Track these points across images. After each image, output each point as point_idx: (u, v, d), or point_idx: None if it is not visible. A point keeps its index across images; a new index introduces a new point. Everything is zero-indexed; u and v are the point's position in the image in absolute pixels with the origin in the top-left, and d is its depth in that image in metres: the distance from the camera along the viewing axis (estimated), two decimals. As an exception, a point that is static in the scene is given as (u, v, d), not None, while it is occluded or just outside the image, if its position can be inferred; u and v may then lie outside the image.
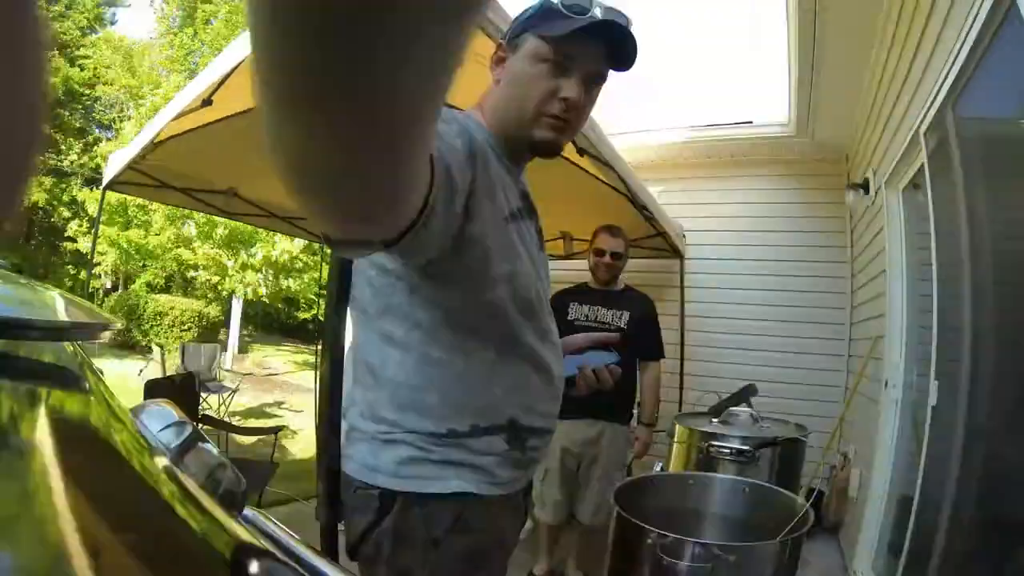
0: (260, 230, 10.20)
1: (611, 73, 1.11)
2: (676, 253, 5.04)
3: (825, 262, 4.84)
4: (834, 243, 4.82)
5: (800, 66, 3.59)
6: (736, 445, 2.65)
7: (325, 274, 8.73)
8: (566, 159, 3.51)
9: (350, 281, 1.26)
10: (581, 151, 3.30)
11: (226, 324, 12.79)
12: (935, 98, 2.34)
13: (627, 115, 5.45)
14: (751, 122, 5.12)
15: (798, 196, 5.07)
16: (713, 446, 2.68)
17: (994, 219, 2.35)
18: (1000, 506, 2.15)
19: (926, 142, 2.62)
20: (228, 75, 2.64)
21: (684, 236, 5.15)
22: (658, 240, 4.74)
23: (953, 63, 2.10)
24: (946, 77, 2.18)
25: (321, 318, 15.32)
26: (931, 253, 2.76)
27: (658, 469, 2.40)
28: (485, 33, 2.11)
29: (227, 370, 10.11)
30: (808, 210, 4.98)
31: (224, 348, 11.02)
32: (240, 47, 2.52)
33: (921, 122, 2.57)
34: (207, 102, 2.86)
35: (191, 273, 12.54)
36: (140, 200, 10.20)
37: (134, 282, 15.69)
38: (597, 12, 1.02)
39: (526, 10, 1.10)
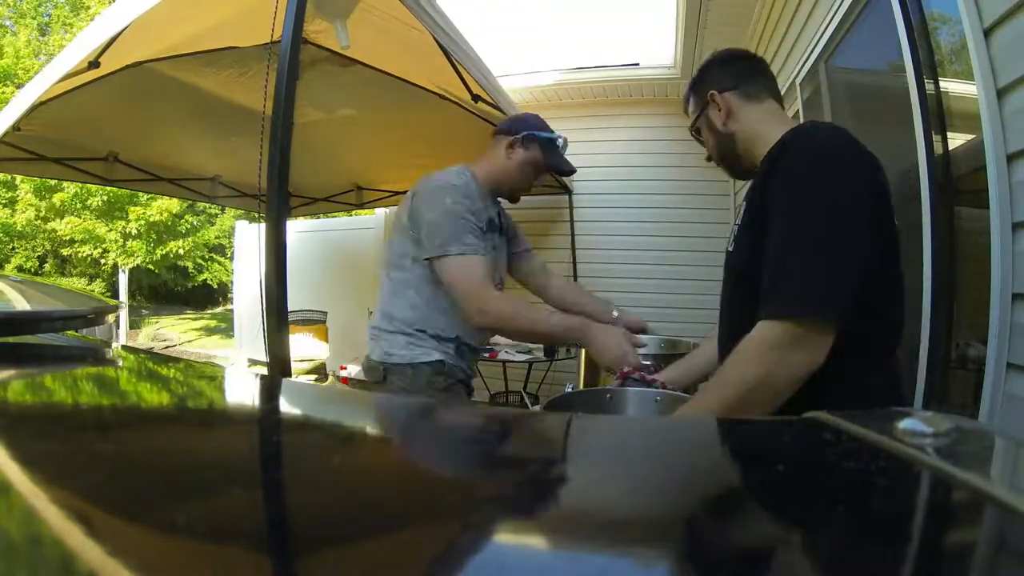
0: (137, 195, 9.38)
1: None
2: (564, 189, 5.25)
3: (709, 195, 5.23)
4: (718, 177, 5.20)
5: (687, 13, 3.79)
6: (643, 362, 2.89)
7: (212, 235, 8.29)
8: (460, 106, 3.57)
9: (285, 249, 1.69)
10: (476, 98, 3.37)
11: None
12: (811, 54, 2.61)
13: (517, 56, 5.52)
14: (637, 64, 5.33)
15: (683, 134, 5.29)
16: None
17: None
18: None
19: (801, 91, 2.92)
20: (117, 36, 2.45)
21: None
22: (546, 177, 4.90)
23: (828, 24, 2.36)
24: (821, 36, 2.45)
25: (212, 283, 14.49)
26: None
27: (569, 389, 2.53)
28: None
29: (124, 348, 9.36)
30: (692, 147, 5.22)
31: (117, 325, 10.16)
32: (129, 4, 2.33)
33: (798, 73, 2.85)
34: (94, 64, 2.63)
35: (66, 251, 11.30)
36: (1, 176, 9.02)
37: (3, 267, 13.86)
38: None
39: (542, 130, 1.98)
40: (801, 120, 3.01)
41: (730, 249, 1.28)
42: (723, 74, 1.34)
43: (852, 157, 1.06)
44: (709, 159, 1.48)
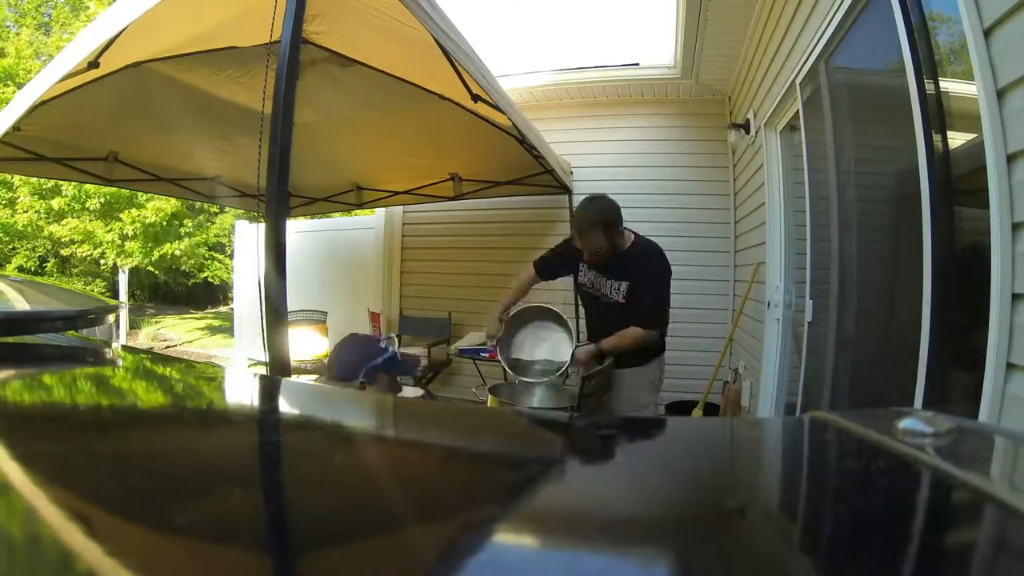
0: (136, 196, 9.37)
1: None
2: (564, 189, 5.25)
3: (709, 195, 5.23)
4: (717, 178, 5.21)
5: (687, 12, 3.79)
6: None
7: (212, 233, 8.24)
8: (459, 106, 3.57)
9: (284, 249, 1.73)
10: (475, 97, 3.37)
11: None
12: (811, 54, 2.61)
13: (516, 56, 5.52)
14: (637, 64, 5.33)
15: (682, 134, 5.38)
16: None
17: (857, 158, 2.70)
18: (869, 404, 2.57)
19: (801, 91, 2.92)
20: (117, 36, 2.45)
21: (572, 173, 5.38)
22: (546, 177, 4.93)
23: (828, 24, 2.36)
24: (821, 36, 2.45)
25: (212, 280, 14.47)
26: (804, 187, 3.12)
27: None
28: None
29: (124, 348, 9.33)
30: (692, 147, 5.32)
31: (117, 325, 10.08)
32: (129, 4, 2.33)
33: (798, 73, 2.85)
34: (94, 64, 2.64)
35: (66, 251, 11.27)
36: (1, 176, 9.02)
37: (3, 267, 13.80)
38: None
39: None
40: (802, 120, 3.02)
41: (621, 300, 2.83)
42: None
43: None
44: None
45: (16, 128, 3.09)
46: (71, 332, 0.98)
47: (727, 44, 4.16)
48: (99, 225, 9.73)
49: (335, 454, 0.50)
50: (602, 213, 2.77)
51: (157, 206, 9.66)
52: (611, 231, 2.76)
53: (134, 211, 9.60)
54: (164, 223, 10.06)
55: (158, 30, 2.61)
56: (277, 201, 1.72)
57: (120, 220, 9.67)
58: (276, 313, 1.75)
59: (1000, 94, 1.32)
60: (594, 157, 5.51)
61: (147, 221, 9.59)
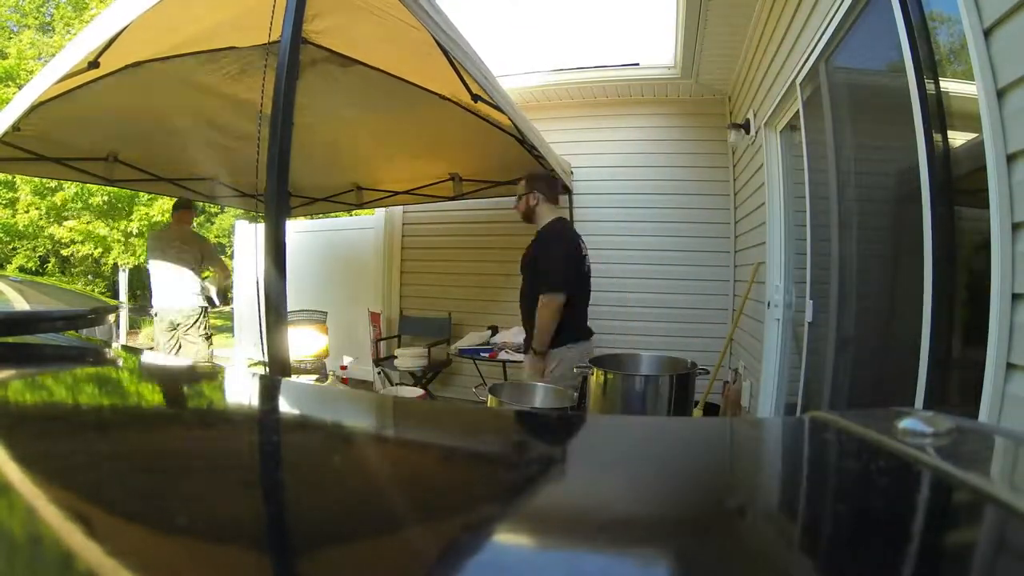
0: (139, 195, 9.40)
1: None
2: (564, 189, 5.24)
3: (709, 195, 5.22)
4: (717, 178, 5.21)
5: (687, 12, 3.79)
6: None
7: (212, 234, 8.25)
8: (459, 106, 3.57)
9: (284, 249, 1.72)
10: (476, 97, 3.37)
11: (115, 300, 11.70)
12: (811, 54, 2.61)
13: (516, 56, 5.52)
14: (637, 64, 5.33)
15: (683, 134, 5.38)
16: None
17: (857, 158, 2.70)
18: (868, 404, 2.57)
19: (801, 91, 2.92)
20: (117, 35, 2.45)
21: (572, 173, 5.38)
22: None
23: (828, 24, 2.36)
24: (821, 36, 2.45)
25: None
26: (804, 187, 3.12)
27: None
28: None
29: (124, 348, 9.34)
30: (692, 147, 5.32)
31: (117, 325, 10.13)
32: (129, 4, 2.33)
33: (798, 73, 2.85)
34: (94, 64, 2.64)
35: (67, 251, 11.32)
36: (2, 176, 9.04)
37: (4, 268, 13.83)
38: None
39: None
40: (803, 120, 3.02)
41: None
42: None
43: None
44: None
45: (16, 128, 3.09)
46: (71, 332, 0.98)
47: (727, 44, 4.16)
48: (101, 224, 9.77)
49: (335, 454, 0.50)
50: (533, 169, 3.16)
51: (163, 206, 9.70)
52: (531, 183, 3.16)
53: (142, 209, 9.67)
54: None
55: (158, 30, 2.60)
56: (277, 201, 1.72)
57: (125, 219, 9.72)
58: (276, 313, 1.75)
59: (1000, 94, 1.32)
60: (594, 157, 5.51)
61: (153, 220, 9.63)
